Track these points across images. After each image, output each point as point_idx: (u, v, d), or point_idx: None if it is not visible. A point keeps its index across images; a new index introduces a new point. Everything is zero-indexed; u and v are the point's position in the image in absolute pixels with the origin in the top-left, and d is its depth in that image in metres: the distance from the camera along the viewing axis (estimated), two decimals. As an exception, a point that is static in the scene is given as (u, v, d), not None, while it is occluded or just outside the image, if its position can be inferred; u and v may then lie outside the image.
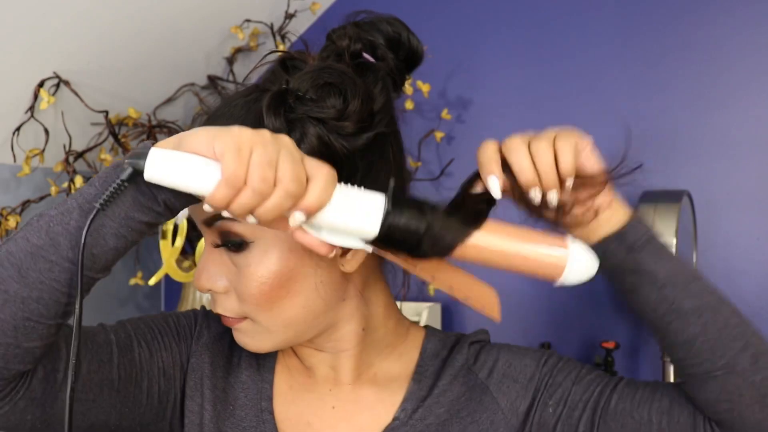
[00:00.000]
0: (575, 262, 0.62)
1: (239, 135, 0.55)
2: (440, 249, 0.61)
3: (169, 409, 0.74)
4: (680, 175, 1.42)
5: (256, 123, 0.62)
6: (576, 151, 0.63)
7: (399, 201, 0.59)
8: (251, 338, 0.70)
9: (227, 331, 0.77)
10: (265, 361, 0.77)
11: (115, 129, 1.40)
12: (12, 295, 0.57)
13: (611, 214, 0.67)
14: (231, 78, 1.60)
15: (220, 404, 0.74)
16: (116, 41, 1.34)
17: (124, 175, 0.56)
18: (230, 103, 0.68)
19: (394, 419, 0.73)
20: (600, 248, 0.66)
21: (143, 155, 0.56)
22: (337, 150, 0.64)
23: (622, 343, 1.42)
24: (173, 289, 1.76)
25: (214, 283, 0.68)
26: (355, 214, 0.59)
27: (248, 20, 1.51)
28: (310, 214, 0.57)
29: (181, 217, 1.38)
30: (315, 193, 0.56)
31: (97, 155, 1.42)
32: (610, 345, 1.39)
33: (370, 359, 0.75)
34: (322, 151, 0.63)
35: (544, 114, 1.51)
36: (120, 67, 1.39)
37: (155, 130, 1.44)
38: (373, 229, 0.59)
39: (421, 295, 1.62)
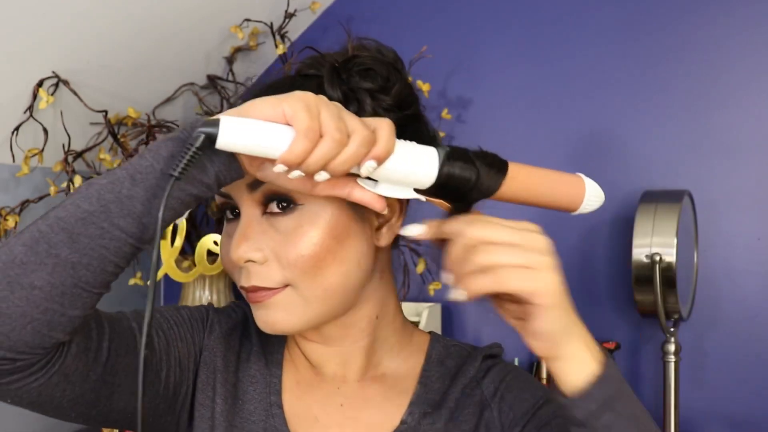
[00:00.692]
0: (591, 192, 0.67)
1: (305, 96, 0.58)
2: (486, 193, 0.65)
3: (180, 401, 0.74)
4: (681, 175, 1.42)
5: (317, 91, 0.65)
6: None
7: (452, 150, 0.63)
8: (284, 311, 0.68)
9: (237, 327, 0.78)
10: (272, 356, 0.77)
11: (115, 129, 1.40)
12: (62, 259, 0.57)
13: (563, 376, 0.61)
14: (230, 77, 1.59)
15: (230, 398, 0.75)
16: (116, 41, 1.33)
17: (198, 143, 0.56)
18: (276, 87, 0.70)
19: (402, 423, 0.73)
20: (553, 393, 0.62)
21: (214, 123, 0.56)
22: None
23: (622, 343, 1.42)
24: (173, 289, 1.76)
25: (254, 252, 0.66)
26: (415, 162, 0.62)
27: (248, 20, 1.51)
28: (381, 162, 0.59)
29: (181, 218, 1.38)
30: (384, 140, 0.59)
31: (96, 155, 1.41)
32: (611, 345, 1.39)
33: (378, 357, 0.76)
34: None
35: (544, 114, 1.51)
36: (119, 66, 1.39)
37: (155, 129, 1.44)
38: (431, 177, 0.62)
39: (421, 296, 1.62)
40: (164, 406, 0.72)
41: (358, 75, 0.69)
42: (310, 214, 0.66)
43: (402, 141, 0.62)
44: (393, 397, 0.75)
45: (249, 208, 0.67)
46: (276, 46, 1.52)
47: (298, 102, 0.57)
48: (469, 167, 0.63)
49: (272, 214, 0.67)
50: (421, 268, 1.60)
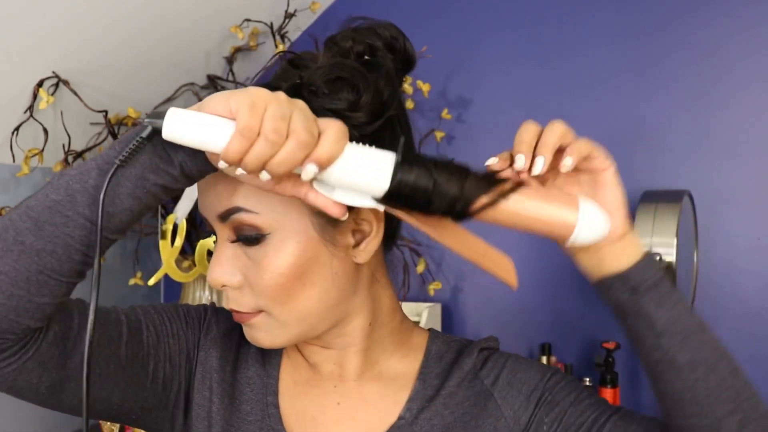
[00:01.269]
0: (586, 222, 0.62)
1: (255, 92, 0.57)
2: (451, 206, 0.61)
3: (173, 398, 0.74)
4: (681, 175, 1.42)
5: None
6: (586, 145, 0.63)
7: (409, 157, 0.60)
8: (265, 333, 0.70)
9: (236, 327, 0.78)
10: (270, 358, 0.77)
11: (115, 129, 1.40)
12: (28, 246, 0.58)
13: (621, 249, 0.66)
14: (230, 77, 1.59)
15: (227, 398, 0.75)
16: (116, 41, 1.33)
17: (144, 133, 0.58)
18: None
19: (400, 418, 0.73)
20: (604, 284, 0.67)
21: (162, 114, 0.57)
22: (350, 139, 0.65)
23: (623, 343, 1.42)
24: (173, 289, 1.76)
25: (228, 278, 0.68)
26: (366, 168, 0.59)
27: (248, 20, 1.51)
28: (322, 166, 0.58)
29: (181, 217, 1.38)
30: (327, 143, 0.57)
31: (96, 155, 1.41)
32: (611, 345, 1.39)
33: (375, 356, 0.76)
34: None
35: (544, 114, 1.51)
36: (119, 66, 1.39)
37: (155, 129, 1.44)
38: (384, 184, 0.59)
39: (422, 296, 1.62)
40: (154, 400, 0.72)
41: (323, 92, 0.65)
42: (276, 243, 0.66)
43: (355, 145, 0.60)
44: (391, 394, 0.75)
45: (223, 235, 0.68)
46: (276, 46, 1.52)
47: (245, 99, 0.56)
48: (426, 175, 0.60)
49: (242, 243, 0.67)
50: (421, 268, 1.60)
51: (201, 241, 1.38)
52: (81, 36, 1.28)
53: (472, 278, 1.61)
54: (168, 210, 1.42)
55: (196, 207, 1.44)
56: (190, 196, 1.41)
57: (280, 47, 1.51)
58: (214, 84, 1.57)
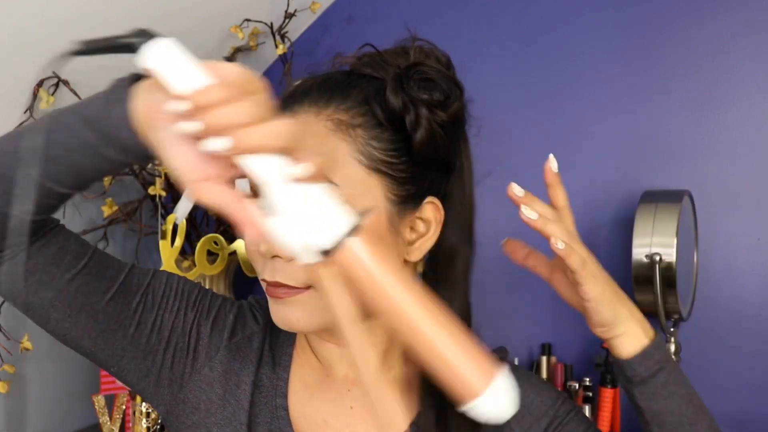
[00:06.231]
0: (491, 398, 0.52)
1: (266, 89, 0.52)
2: None
3: (154, 372, 0.73)
4: (680, 175, 1.42)
5: (376, 94, 0.67)
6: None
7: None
8: (303, 312, 0.67)
9: (256, 333, 0.77)
10: (281, 359, 0.76)
11: (115, 129, 1.40)
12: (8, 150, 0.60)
13: (620, 340, 0.70)
14: (230, 78, 1.59)
15: (232, 398, 0.74)
16: (116, 41, 1.33)
17: (129, 35, 0.58)
18: (330, 80, 0.70)
19: (412, 425, 0.73)
20: (614, 363, 0.72)
21: (154, 35, 0.55)
22: (437, 140, 0.69)
23: (623, 343, 1.42)
24: (173, 289, 1.76)
25: None
26: (314, 213, 0.51)
27: (248, 20, 1.51)
28: (236, 148, 0.49)
29: (181, 217, 1.38)
30: (262, 129, 0.49)
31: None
32: (611, 345, 1.39)
33: (391, 361, 0.75)
34: (430, 137, 0.68)
35: (544, 114, 1.51)
36: (119, 66, 1.39)
37: (155, 129, 1.44)
38: (323, 243, 0.52)
39: (421, 296, 1.61)
40: (132, 365, 0.73)
41: (419, 85, 0.68)
42: None
43: (327, 185, 0.52)
44: (404, 400, 0.74)
45: None
46: (276, 46, 1.52)
47: (256, 79, 0.52)
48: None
49: None
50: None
51: (201, 241, 1.39)
52: (81, 36, 1.28)
53: (472, 278, 1.60)
54: (168, 210, 1.42)
55: (196, 207, 1.44)
56: (190, 196, 1.41)
57: (280, 47, 1.51)
58: (214, 84, 1.57)
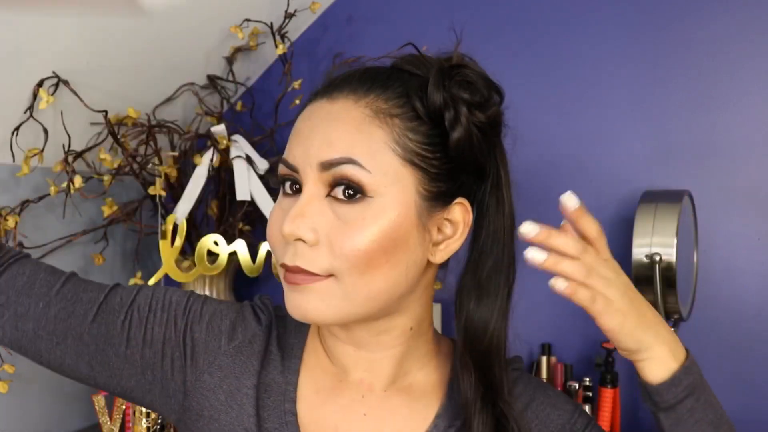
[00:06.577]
0: None
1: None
2: None
3: (156, 385, 0.73)
4: (680, 175, 1.41)
5: (417, 89, 0.67)
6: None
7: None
8: (321, 302, 0.65)
9: (258, 335, 0.76)
10: (290, 363, 0.75)
11: (115, 129, 1.40)
12: None
13: (648, 365, 0.72)
14: (230, 77, 1.59)
15: (236, 404, 0.74)
16: (115, 40, 1.33)
17: None
18: (371, 72, 0.71)
19: None
20: (640, 385, 0.74)
21: None
22: (473, 140, 0.69)
23: (623, 343, 1.42)
24: (173, 289, 1.75)
25: (308, 232, 0.64)
26: None
27: (248, 20, 1.51)
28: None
29: (181, 218, 1.38)
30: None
31: (96, 155, 1.41)
32: (611, 345, 1.39)
33: (408, 365, 0.74)
34: (467, 136, 0.68)
35: (544, 115, 1.51)
36: (119, 66, 1.39)
37: (155, 129, 1.44)
38: None
39: (421, 295, 1.61)
40: (131, 382, 0.73)
41: (460, 84, 0.69)
42: (376, 209, 0.64)
43: None
44: (419, 408, 0.73)
45: (314, 186, 0.65)
46: (276, 46, 1.52)
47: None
48: None
49: (336, 199, 0.65)
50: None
51: (201, 241, 1.38)
52: (81, 36, 1.28)
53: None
54: (168, 210, 1.42)
55: (196, 207, 1.44)
56: (190, 196, 1.41)
57: (280, 47, 1.51)
58: (214, 84, 1.57)
